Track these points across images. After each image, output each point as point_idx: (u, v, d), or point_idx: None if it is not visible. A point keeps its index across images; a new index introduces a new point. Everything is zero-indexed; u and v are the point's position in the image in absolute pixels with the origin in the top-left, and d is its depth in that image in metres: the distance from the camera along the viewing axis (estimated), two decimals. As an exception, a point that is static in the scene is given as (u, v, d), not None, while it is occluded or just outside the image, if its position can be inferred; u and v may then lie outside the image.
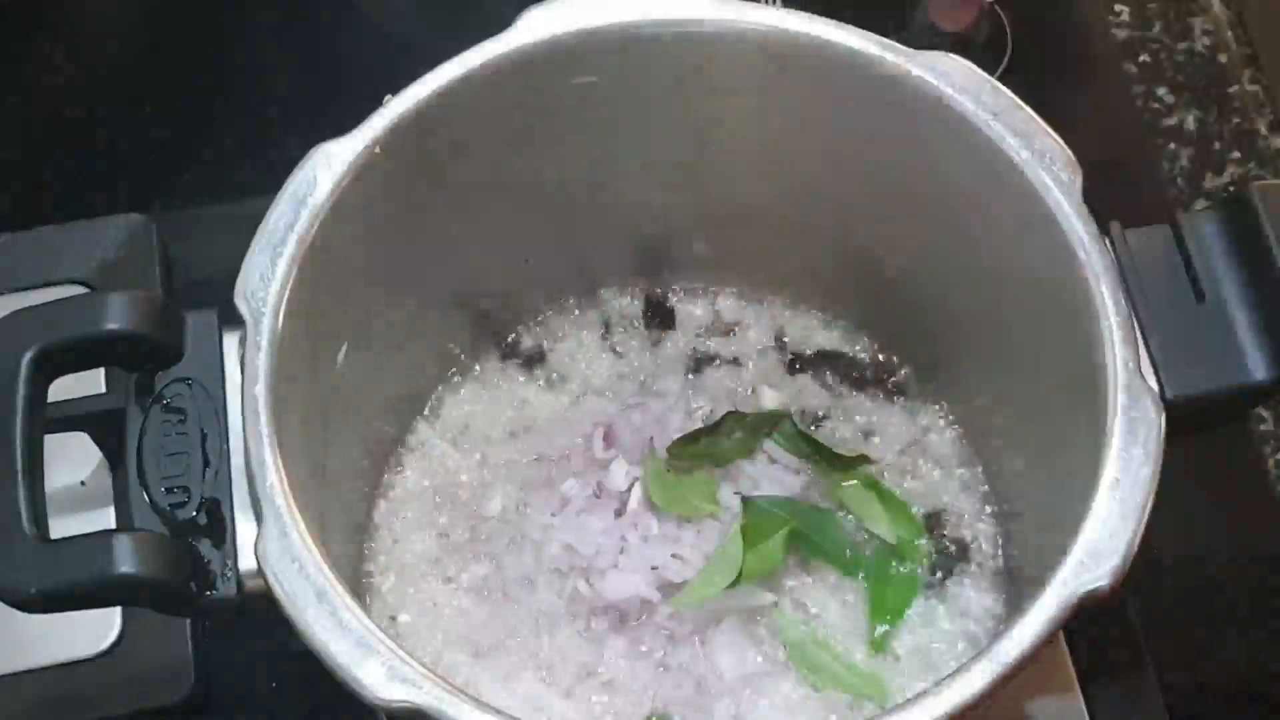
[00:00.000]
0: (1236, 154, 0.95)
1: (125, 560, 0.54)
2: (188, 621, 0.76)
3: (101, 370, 0.75)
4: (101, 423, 0.62)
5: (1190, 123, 0.96)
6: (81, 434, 0.64)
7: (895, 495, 0.72)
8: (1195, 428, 0.61)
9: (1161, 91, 0.98)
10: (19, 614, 0.55)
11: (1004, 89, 0.62)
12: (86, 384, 0.68)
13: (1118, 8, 1.00)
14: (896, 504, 0.71)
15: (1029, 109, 0.61)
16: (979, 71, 0.62)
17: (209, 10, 1.00)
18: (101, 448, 0.67)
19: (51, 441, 0.57)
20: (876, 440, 0.74)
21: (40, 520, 0.55)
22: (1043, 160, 0.60)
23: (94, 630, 0.75)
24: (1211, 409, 0.62)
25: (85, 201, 0.89)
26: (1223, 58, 0.99)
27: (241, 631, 0.72)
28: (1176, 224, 0.62)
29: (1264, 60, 0.98)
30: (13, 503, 0.54)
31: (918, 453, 0.74)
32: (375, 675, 0.52)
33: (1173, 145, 0.96)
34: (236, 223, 0.61)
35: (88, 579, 0.54)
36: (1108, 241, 0.60)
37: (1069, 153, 0.60)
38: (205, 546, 0.56)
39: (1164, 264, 0.61)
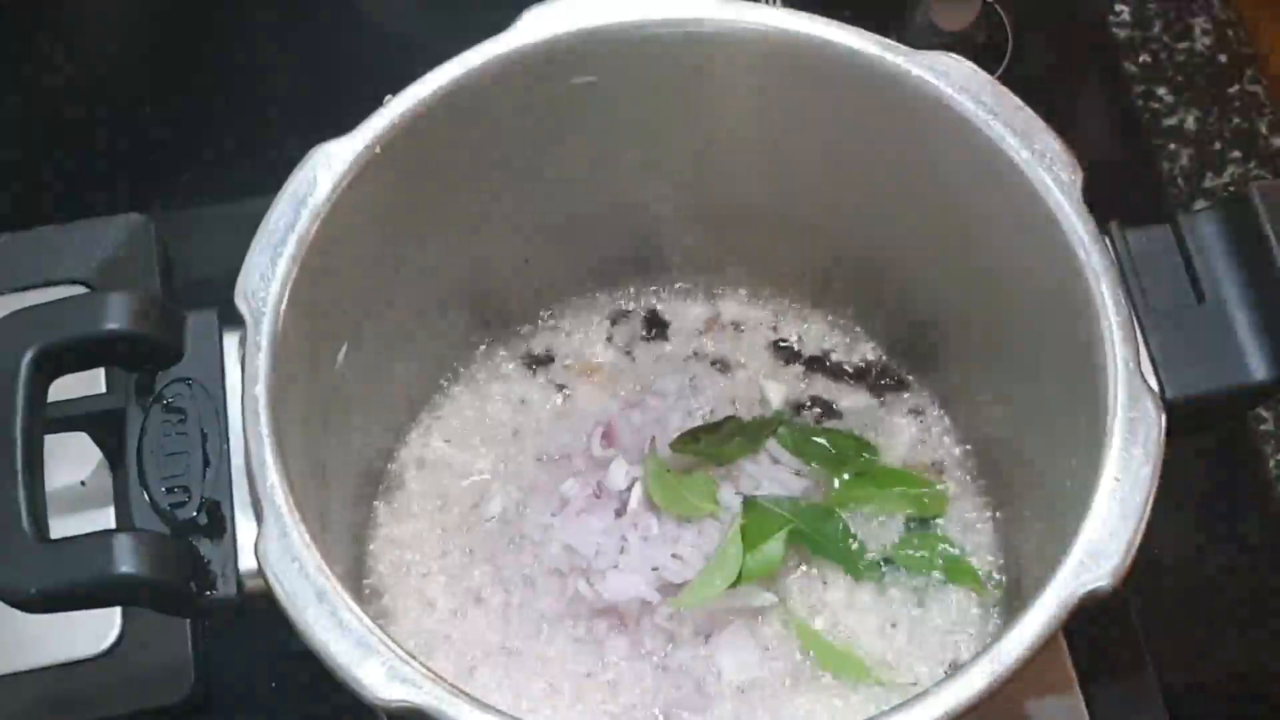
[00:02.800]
0: (1236, 154, 0.95)
1: (125, 560, 0.54)
2: (188, 621, 0.76)
3: (101, 370, 0.75)
4: (101, 423, 0.62)
5: (1190, 123, 0.96)
6: (81, 434, 0.64)
7: (894, 470, 0.72)
8: (1195, 428, 0.61)
9: (1161, 91, 0.98)
10: (19, 614, 0.55)
11: (1004, 89, 0.62)
12: (86, 384, 0.68)
13: (1118, 8, 1.00)
14: (898, 476, 0.72)
15: (1029, 109, 0.61)
16: (979, 71, 0.62)
17: (209, 10, 1.00)
18: (101, 448, 0.67)
19: (51, 441, 0.57)
20: (876, 440, 0.74)
21: (40, 520, 0.55)
22: (1043, 160, 0.60)
23: (94, 630, 0.75)
24: (1211, 409, 0.62)
25: (85, 201, 0.89)
26: (1223, 58, 0.99)
27: (241, 631, 0.72)
28: (1176, 224, 0.62)
29: (1264, 60, 0.98)
30: (13, 503, 0.54)
31: (917, 453, 0.74)
32: (375, 675, 0.52)
33: (1173, 145, 0.96)
34: (236, 223, 0.61)
35: (88, 579, 0.54)
36: (1108, 241, 0.60)
37: (1069, 153, 0.60)
38: (205, 546, 0.56)
39: (1164, 264, 0.61)
